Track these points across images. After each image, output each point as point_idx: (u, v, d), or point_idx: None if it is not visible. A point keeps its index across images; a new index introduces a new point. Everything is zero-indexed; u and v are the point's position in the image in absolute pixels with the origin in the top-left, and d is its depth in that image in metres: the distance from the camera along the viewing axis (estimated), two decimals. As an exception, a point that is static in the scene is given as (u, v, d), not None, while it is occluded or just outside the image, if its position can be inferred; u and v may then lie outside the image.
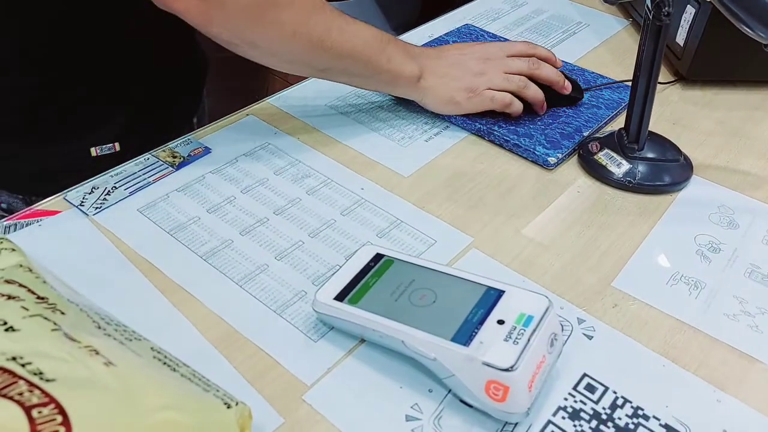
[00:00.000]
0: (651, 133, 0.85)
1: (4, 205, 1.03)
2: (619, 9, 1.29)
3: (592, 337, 0.65)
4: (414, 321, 0.58)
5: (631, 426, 0.57)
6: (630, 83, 0.83)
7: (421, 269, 0.64)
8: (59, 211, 0.76)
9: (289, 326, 0.65)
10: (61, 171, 0.91)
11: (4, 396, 0.39)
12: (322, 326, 0.65)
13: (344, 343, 0.63)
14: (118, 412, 0.43)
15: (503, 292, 0.60)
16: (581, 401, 0.59)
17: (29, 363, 0.42)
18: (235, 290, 0.68)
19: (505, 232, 0.77)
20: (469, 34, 1.15)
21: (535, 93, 0.92)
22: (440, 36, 1.14)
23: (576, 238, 0.76)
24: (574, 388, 0.60)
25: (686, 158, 0.86)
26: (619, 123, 0.89)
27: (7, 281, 0.50)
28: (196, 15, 0.77)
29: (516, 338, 0.55)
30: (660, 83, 0.98)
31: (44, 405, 0.39)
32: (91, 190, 0.79)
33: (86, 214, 0.76)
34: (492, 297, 0.60)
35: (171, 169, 0.83)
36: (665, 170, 0.83)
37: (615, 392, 0.60)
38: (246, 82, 1.66)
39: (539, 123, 0.92)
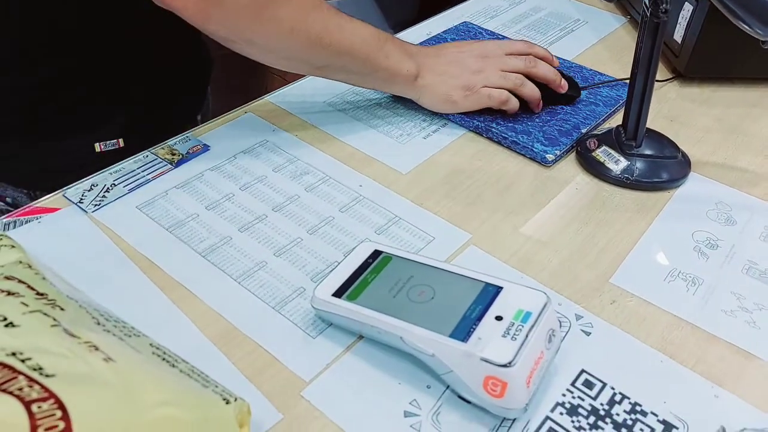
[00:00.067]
0: (649, 130, 0.86)
1: (9, 200, 1.04)
2: (617, 6, 1.29)
3: (590, 333, 0.65)
4: (412, 317, 0.58)
5: (629, 422, 0.57)
6: (628, 81, 0.83)
7: (420, 266, 0.64)
8: (58, 209, 0.76)
9: (288, 323, 0.65)
10: (65, 167, 0.92)
11: (4, 391, 0.39)
12: (321, 323, 0.65)
13: (343, 339, 0.63)
14: (117, 408, 0.43)
15: (501, 288, 0.60)
16: (579, 397, 0.59)
17: (29, 358, 0.42)
18: (234, 287, 0.68)
19: (503, 228, 0.77)
20: (467, 32, 1.15)
21: (531, 91, 0.92)
22: (438, 34, 1.14)
23: (574, 234, 0.76)
24: (572, 384, 0.60)
25: (684, 155, 0.86)
26: (616, 120, 0.90)
27: (7, 277, 0.51)
28: (194, 12, 0.77)
29: (514, 334, 0.55)
30: (658, 80, 0.98)
31: (44, 400, 0.40)
32: (90, 188, 0.79)
33: (85, 211, 0.76)
34: (490, 293, 0.60)
35: (170, 166, 0.83)
36: (663, 167, 0.84)
37: (613, 388, 0.60)
38: (245, 80, 1.66)
39: (537, 120, 0.93)
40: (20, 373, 0.41)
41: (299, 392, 0.59)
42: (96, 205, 0.77)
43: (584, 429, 0.56)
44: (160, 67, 1.05)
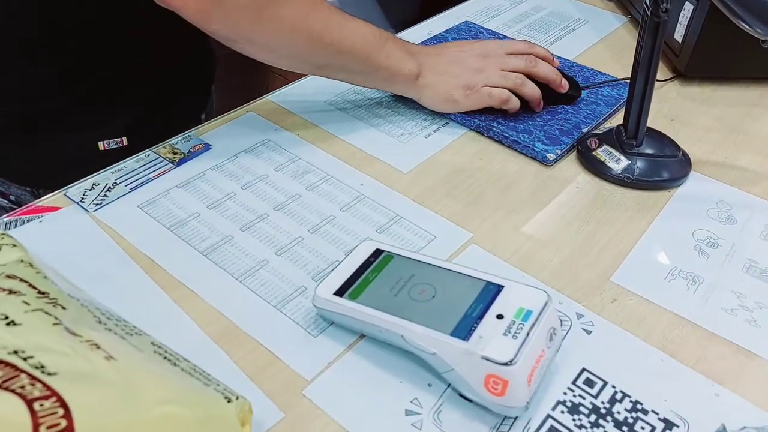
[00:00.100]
0: (649, 130, 0.86)
1: (12, 197, 1.04)
2: (617, 6, 1.29)
3: (591, 331, 0.65)
4: (413, 316, 0.58)
5: (630, 420, 0.57)
6: (628, 80, 0.83)
7: (421, 264, 0.64)
8: (60, 208, 0.76)
9: (289, 321, 0.65)
10: (69, 165, 0.92)
11: (6, 389, 0.39)
12: (322, 321, 0.65)
13: (344, 338, 0.63)
14: (119, 406, 0.43)
15: (502, 287, 0.60)
16: (580, 395, 0.59)
17: (31, 357, 0.42)
18: (236, 286, 0.68)
19: (504, 227, 0.77)
20: (468, 31, 1.15)
21: (532, 90, 0.92)
22: (439, 33, 1.15)
23: (575, 233, 0.76)
24: (573, 383, 0.60)
25: (684, 154, 0.87)
26: (617, 119, 0.90)
27: (9, 276, 0.51)
28: (195, 12, 0.78)
29: (515, 333, 0.55)
30: (658, 80, 0.98)
31: (46, 398, 0.40)
32: (92, 187, 0.79)
33: (87, 210, 0.76)
34: (491, 292, 0.60)
35: (171, 165, 0.83)
36: (663, 166, 0.84)
37: (614, 386, 0.60)
38: (246, 79, 1.66)
39: (538, 119, 0.93)
40: (22, 371, 0.41)
41: (301, 391, 0.59)
42: (97, 204, 0.77)
43: (585, 427, 0.57)
44: (165, 66, 1.05)
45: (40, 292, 0.50)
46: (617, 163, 0.83)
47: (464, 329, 0.56)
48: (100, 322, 0.51)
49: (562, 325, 0.65)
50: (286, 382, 0.60)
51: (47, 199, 0.78)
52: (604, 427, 0.57)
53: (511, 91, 0.91)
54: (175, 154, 0.85)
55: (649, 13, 0.76)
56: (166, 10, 0.77)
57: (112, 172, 0.82)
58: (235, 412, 0.50)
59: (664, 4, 0.75)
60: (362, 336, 0.64)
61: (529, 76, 0.93)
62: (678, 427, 0.57)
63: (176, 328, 0.63)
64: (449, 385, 0.59)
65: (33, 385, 0.40)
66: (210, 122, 0.92)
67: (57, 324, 0.46)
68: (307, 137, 0.90)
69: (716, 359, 0.63)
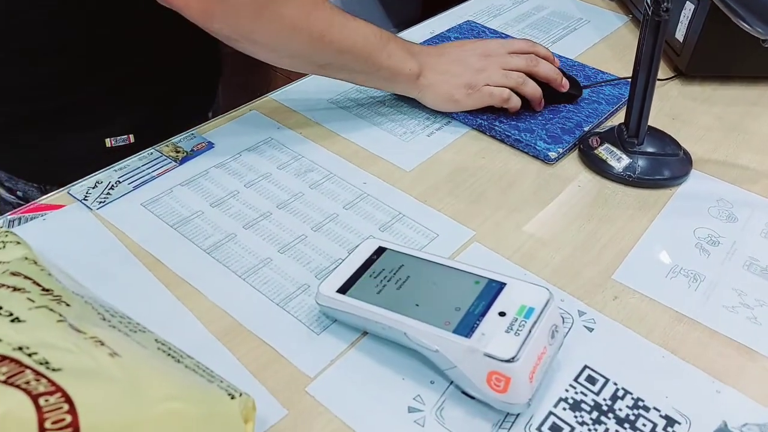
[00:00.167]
0: (651, 128, 0.86)
1: (20, 193, 1.04)
2: (619, 5, 1.29)
3: (593, 329, 0.65)
4: (416, 313, 0.59)
5: (632, 417, 0.57)
6: (630, 79, 0.83)
7: (423, 262, 0.65)
8: (63, 206, 0.77)
9: (292, 319, 0.65)
10: (76, 161, 0.92)
11: (12, 384, 0.39)
12: (325, 319, 0.65)
13: (347, 335, 0.64)
14: (123, 402, 0.43)
15: (504, 284, 0.61)
16: (582, 392, 0.59)
17: (35, 353, 0.42)
18: (239, 283, 0.69)
19: (506, 226, 0.77)
20: (470, 31, 1.15)
21: (533, 89, 0.92)
22: (441, 32, 1.15)
23: (576, 231, 0.76)
24: (575, 380, 0.60)
25: (685, 153, 0.87)
26: (619, 118, 0.90)
27: (13, 273, 0.51)
28: (197, 11, 0.78)
29: (517, 330, 0.56)
30: (659, 79, 0.98)
31: (51, 393, 0.40)
32: (95, 185, 0.79)
33: (90, 208, 0.76)
34: (493, 289, 0.60)
35: (174, 163, 0.84)
36: (665, 164, 0.84)
37: (616, 384, 0.60)
38: (248, 78, 1.66)
39: (540, 118, 0.93)
40: (27, 367, 0.41)
41: (304, 388, 0.59)
42: (101, 202, 0.77)
43: (587, 424, 0.57)
44: (172, 65, 1.05)
45: (44, 289, 0.50)
46: (619, 161, 0.84)
47: (467, 326, 0.57)
48: (104, 319, 0.52)
49: (563, 322, 0.65)
50: (289, 379, 0.60)
51: (50, 197, 0.78)
52: (605, 424, 0.57)
53: (512, 90, 0.92)
54: (178, 152, 0.85)
55: (650, 13, 0.77)
56: (171, 9, 0.78)
57: (116, 170, 0.82)
58: (239, 408, 0.50)
59: (665, 4, 0.75)
60: (365, 333, 0.64)
61: (531, 76, 0.93)
62: (679, 424, 0.57)
63: (180, 326, 0.64)
64: (452, 382, 0.59)
65: (38, 380, 0.40)
66: (213, 120, 0.92)
67: (61, 321, 0.46)
68: (310, 135, 0.90)
69: (717, 356, 0.63)
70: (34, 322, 0.45)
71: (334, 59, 0.86)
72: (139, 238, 0.73)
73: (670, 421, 0.57)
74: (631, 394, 0.59)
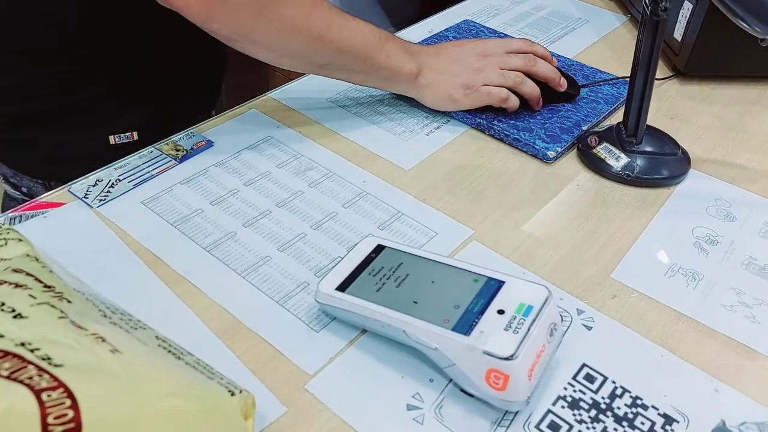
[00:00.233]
0: (649, 128, 0.86)
1: (24, 189, 1.05)
2: (617, 5, 1.29)
3: (592, 327, 0.66)
4: (415, 311, 0.59)
5: (630, 415, 0.58)
6: (628, 79, 0.84)
7: (423, 260, 0.65)
8: (64, 203, 0.77)
9: (292, 317, 0.65)
10: (80, 158, 0.93)
11: (15, 380, 0.40)
12: (324, 317, 0.65)
13: (346, 333, 0.64)
14: (124, 399, 0.43)
15: (503, 282, 0.61)
16: (581, 391, 0.59)
17: (37, 349, 0.42)
18: (238, 281, 0.69)
19: (505, 224, 0.77)
20: (468, 30, 1.16)
21: (531, 89, 0.93)
22: (440, 32, 1.15)
23: (575, 230, 0.77)
24: (574, 378, 0.61)
25: (684, 152, 0.87)
26: (617, 117, 0.90)
27: (15, 270, 0.51)
28: (197, 11, 0.78)
29: (516, 328, 0.56)
30: (658, 78, 0.99)
31: (53, 389, 0.40)
32: (95, 183, 0.79)
33: (90, 206, 0.76)
34: (492, 287, 0.60)
35: (174, 162, 0.84)
36: (663, 164, 0.84)
37: (614, 382, 0.60)
38: (247, 78, 1.66)
39: (539, 117, 0.93)
40: (29, 362, 0.41)
41: (303, 385, 0.59)
42: (101, 200, 0.77)
43: (585, 422, 0.57)
44: (172, 64, 1.05)
45: (45, 286, 0.50)
46: (617, 160, 0.84)
47: (466, 324, 0.57)
48: (105, 316, 0.52)
49: (562, 320, 0.65)
50: (288, 377, 0.60)
51: (51, 195, 0.78)
52: (604, 422, 0.57)
53: (510, 89, 0.92)
54: (177, 150, 0.85)
55: (648, 12, 0.77)
56: (171, 10, 0.78)
57: (116, 169, 0.82)
58: (239, 405, 0.50)
59: (664, 3, 0.75)
60: (364, 331, 0.64)
61: (529, 75, 0.93)
62: (678, 422, 0.57)
63: (180, 323, 0.64)
64: (451, 380, 0.60)
65: (40, 376, 0.40)
66: (212, 119, 0.93)
67: (63, 317, 0.47)
68: (309, 134, 0.90)
69: (716, 355, 0.63)
70: (36, 319, 0.45)
71: (333, 59, 0.86)
72: (140, 236, 0.73)
73: (669, 420, 0.57)
74: (630, 392, 0.59)
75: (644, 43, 0.79)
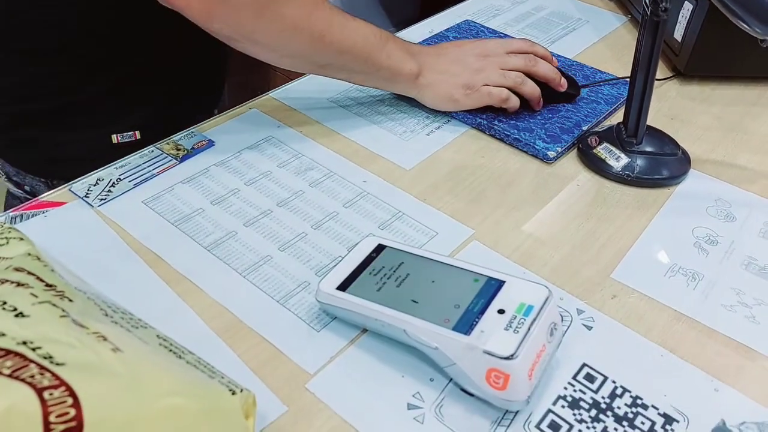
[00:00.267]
0: (649, 128, 0.86)
1: (27, 188, 1.05)
2: (617, 5, 1.30)
3: (592, 327, 0.66)
4: (416, 310, 0.59)
5: (630, 415, 0.58)
6: (628, 79, 0.84)
7: (423, 260, 0.65)
8: (64, 203, 0.77)
9: (293, 316, 0.65)
10: (82, 157, 0.93)
11: (17, 378, 0.40)
12: (325, 316, 0.65)
13: (347, 332, 0.64)
14: (126, 397, 0.43)
15: (504, 282, 0.61)
16: (581, 390, 0.60)
17: (39, 347, 0.43)
18: (239, 281, 0.69)
19: (505, 224, 0.77)
20: (469, 30, 1.16)
21: (531, 89, 0.93)
22: (440, 32, 1.15)
23: (575, 230, 0.77)
24: (574, 378, 0.61)
25: (684, 152, 0.87)
26: (617, 117, 0.90)
27: (17, 269, 0.51)
28: (198, 12, 0.78)
29: (516, 327, 0.56)
30: (658, 79, 0.99)
31: (55, 387, 0.40)
32: (96, 182, 0.80)
33: (91, 205, 0.77)
34: (493, 287, 0.60)
35: (175, 161, 0.84)
36: (663, 164, 0.84)
37: (614, 382, 0.60)
38: (247, 78, 1.66)
39: (539, 118, 0.93)
40: (31, 361, 0.41)
41: (304, 384, 0.59)
42: (102, 199, 0.77)
43: (586, 422, 0.57)
44: (172, 64, 1.05)
45: (47, 285, 0.50)
46: (617, 160, 0.84)
47: (466, 324, 0.57)
48: (106, 315, 0.52)
49: (562, 320, 0.65)
50: (289, 376, 0.60)
51: (52, 195, 0.78)
52: (604, 421, 0.57)
53: (510, 89, 0.92)
54: (178, 150, 0.86)
55: (648, 13, 0.77)
56: (171, 10, 0.78)
57: (117, 168, 0.82)
58: (240, 404, 0.50)
59: (664, 4, 0.75)
60: (364, 330, 0.64)
61: (529, 75, 0.93)
62: (678, 422, 0.57)
63: (181, 323, 0.64)
64: (451, 380, 0.60)
65: (42, 374, 0.41)
66: (213, 119, 0.93)
67: (64, 316, 0.47)
68: (310, 134, 0.90)
69: (716, 355, 0.64)
70: (37, 317, 0.45)
71: (334, 59, 0.86)
72: (140, 235, 0.73)
73: (669, 420, 0.57)
74: (630, 392, 0.60)
75: (644, 43, 0.79)
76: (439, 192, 0.81)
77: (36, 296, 0.48)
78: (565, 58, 1.08)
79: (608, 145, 0.86)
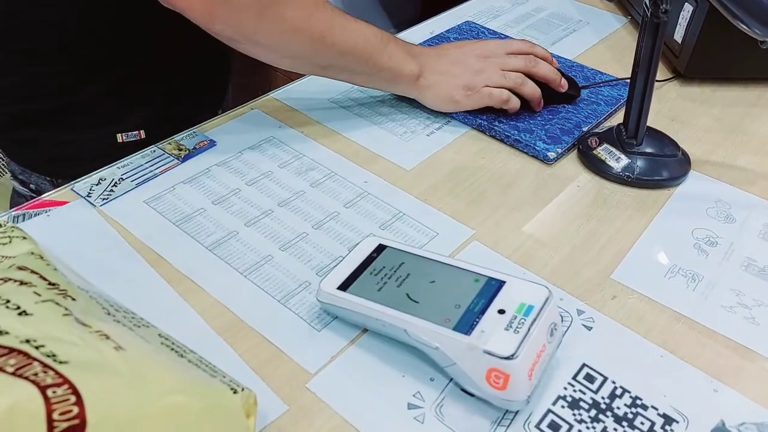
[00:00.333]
0: (649, 129, 0.86)
1: (33, 186, 1.05)
2: (618, 7, 1.30)
3: (592, 327, 0.66)
4: (416, 310, 0.59)
5: (630, 415, 0.58)
6: (629, 80, 0.84)
7: (424, 260, 0.65)
8: (67, 202, 0.77)
9: (294, 316, 0.66)
10: (87, 156, 0.93)
11: (20, 376, 0.40)
12: (326, 316, 0.65)
13: (347, 332, 0.64)
14: (128, 395, 0.44)
15: (504, 282, 0.61)
16: (581, 390, 0.60)
17: (42, 345, 0.43)
18: (240, 280, 0.69)
19: (505, 225, 0.77)
20: (469, 31, 1.16)
21: (532, 90, 0.93)
22: (441, 33, 1.15)
23: (576, 231, 0.77)
24: (574, 378, 0.61)
25: (684, 153, 0.87)
26: (618, 119, 0.90)
27: (20, 268, 0.51)
28: (200, 13, 0.78)
29: (516, 327, 0.56)
30: (658, 80, 0.99)
31: (58, 385, 0.40)
32: (98, 182, 0.80)
33: (93, 205, 0.77)
34: (493, 287, 0.61)
35: (177, 161, 0.84)
36: (663, 165, 0.84)
37: (614, 382, 0.61)
38: (249, 79, 1.66)
39: (539, 119, 0.93)
40: (35, 359, 0.42)
41: (304, 384, 0.60)
42: (104, 199, 0.77)
43: (585, 422, 0.57)
44: (172, 64, 1.05)
45: (50, 284, 0.50)
46: (617, 161, 0.84)
47: (466, 324, 0.57)
48: (108, 314, 0.52)
49: (562, 321, 0.65)
50: (289, 376, 0.60)
51: (54, 194, 0.78)
52: (604, 422, 0.57)
53: (511, 90, 0.92)
54: (180, 150, 0.86)
55: (649, 14, 0.77)
56: (172, 10, 0.78)
57: (119, 168, 0.83)
58: (241, 403, 0.50)
59: (664, 5, 0.76)
60: (365, 330, 0.64)
61: (529, 76, 0.93)
62: (677, 422, 0.57)
63: (182, 322, 0.64)
64: (451, 380, 0.60)
65: (45, 372, 0.41)
66: (215, 119, 0.93)
67: (67, 314, 0.47)
68: (311, 134, 0.90)
69: (715, 356, 0.64)
70: (40, 316, 0.46)
71: (335, 61, 0.87)
72: (142, 235, 0.73)
73: (668, 420, 0.58)
74: (630, 392, 0.60)
75: (645, 45, 0.79)
76: (440, 192, 0.82)
77: (39, 295, 0.48)
78: (566, 59, 1.08)
79: (608, 146, 0.86)
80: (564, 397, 0.59)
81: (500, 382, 0.54)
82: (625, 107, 0.86)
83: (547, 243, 0.75)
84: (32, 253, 0.54)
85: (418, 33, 1.16)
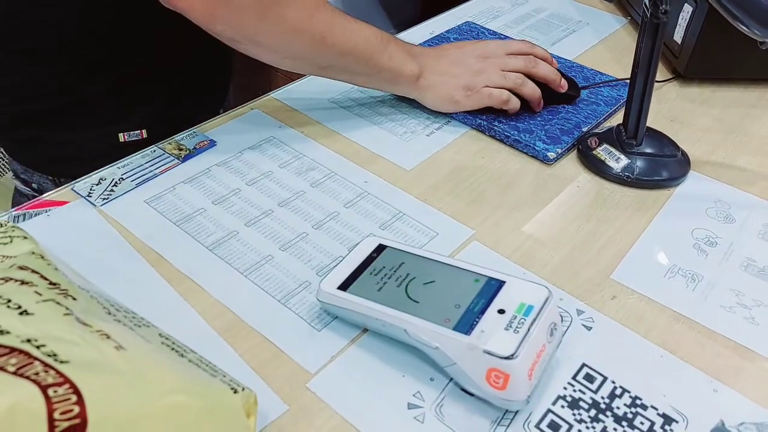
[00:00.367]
0: (649, 129, 0.86)
1: (35, 185, 1.05)
2: (617, 7, 1.30)
3: (591, 327, 0.66)
4: (416, 310, 0.59)
5: (630, 415, 0.58)
6: (628, 81, 0.84)
7: (424, 260, 0.65)
8: (67, 202, 0.77)
9: (294, 316, 0.66)
10: (89, 155, 0.93)
11: (21, 375, 0.40)
12: (326, 316, 0.66)
13: (347, 332, 0.64)
14: (129, 395, 0.44)
15: (504, 282, 0.61)
16: (580, 390, 0.60)
17: (43, 345, 0.43)
18: (241, 280, 0.69)
19: (505, 225, 0.78)
20: (469, 32, 1.16)
21: (532, 90, 0.93)
22: (441, 33, 1.15)
23: (575, 231, 0.77)
24: (574, 378, 0.61)
25: (684, 154, 0.87)
26: (617, 119, 0.90)
27: (21, 267, 0.51)
28: (201, 13, 0.78)
29: (516, 327, 0.56)
30: (658, 81, 0.99)
31: (59, 385, 0.40)
32: (99, 182, 0.80)
33: (94, 204, 0.77)
34: (493, 287, 0.61)
35: (177, 161, 0.84)
36: (663, 165, 0.84)
37: (614, 382, 0.61)
38: (249, 80, 1.66)
39: (539, 119, 0.94)
40: (36, 358, 0.42)
41: (305, 384, 0.60)
42: (104, 198, 0.77)
43: (585, 422, 0.57)
44: (172, 64, 1.05)
45: (51, 283, 0.50)
46: (617, 162, 0.84)
47: (466, 324, 0.57)
48: (109, 313, 0.52)
49: (562, 320, 0.66)
50: (290, 375, 0.60)
51: (55, 194, 0.78)
52: (603, 421, 0.57)
53: (511, 91, 0.92)
54: (180, 150, 0.86)
55: (648, 15, 0.77)
56: (172, 10, 0.78)
57: (119, 168, 0.83)
58: (241, 402, 0.50)
59: (664, 6, 0.76)
60: (365, 330, 0.64)
61: (529, 76, 0.94)
62: (677, 422, 0.58)
63: (182, 322, 0.64)
64: (451, 380, 0.60)
65: (46, 372, 0.41)
66: (215, 119, 0.93)
67: (68, 314, 0.47)
68: (311, 134, 0.90)
69: (715, 356, 0.64)
70: (41, 315, 0.46)
71: (335, 61, 0.87)
72: (142, 235, 0.73)
73: (668, 420, 0.58)
74: (629, 392, 0.60)
75: (644, 45, 0.79)
76: (440, 192, 0.82)
77: (40, 294, 0.48)
78: (565, 59, 1.08)
79: (608, 147, 0.86)
80: (564, 397, 0.59)
81: (500, 382, 0.55)
82: (624, 108, 0.86)
83: (546, 243, 0.75)
84: (33, 253, 0.54)
85: (418, 33, 1.16)
